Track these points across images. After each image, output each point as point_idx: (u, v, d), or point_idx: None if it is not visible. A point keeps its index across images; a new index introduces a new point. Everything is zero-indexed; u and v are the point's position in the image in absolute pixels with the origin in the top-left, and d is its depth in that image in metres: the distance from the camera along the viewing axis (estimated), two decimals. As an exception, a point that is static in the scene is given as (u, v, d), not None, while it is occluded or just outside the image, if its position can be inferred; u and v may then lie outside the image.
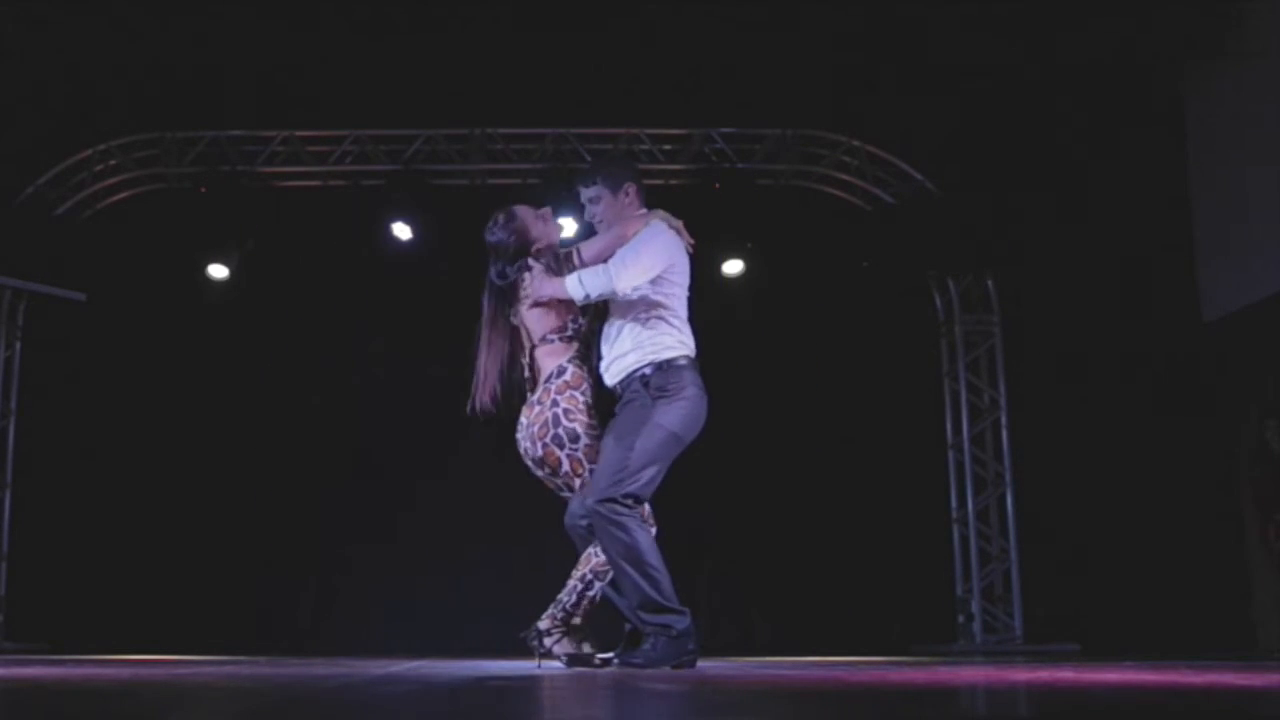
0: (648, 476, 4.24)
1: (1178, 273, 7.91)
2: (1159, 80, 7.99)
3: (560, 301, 4.34)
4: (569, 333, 4.40)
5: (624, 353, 4.38)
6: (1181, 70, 8.01)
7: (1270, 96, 7.13)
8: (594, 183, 4.59)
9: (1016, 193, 7.94)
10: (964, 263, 8.41)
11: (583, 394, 4.33)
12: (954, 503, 8.40)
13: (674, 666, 4.11)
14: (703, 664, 4.40)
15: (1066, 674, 3.35)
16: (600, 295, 4.28)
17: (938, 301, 8.61)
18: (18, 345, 8.39)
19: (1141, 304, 7.93)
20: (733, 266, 8.16)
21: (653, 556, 4.22)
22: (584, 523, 4.34)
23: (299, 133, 8.33)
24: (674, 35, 7.54)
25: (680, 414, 4.30)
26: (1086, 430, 7.94)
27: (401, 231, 8.09)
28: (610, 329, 4.46)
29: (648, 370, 4.32)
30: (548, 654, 4.26)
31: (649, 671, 3.96)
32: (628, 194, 4.58)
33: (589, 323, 4.44)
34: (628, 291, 4.29)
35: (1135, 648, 6.85)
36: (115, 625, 7.64)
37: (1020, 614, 8.10)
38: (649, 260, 4.34)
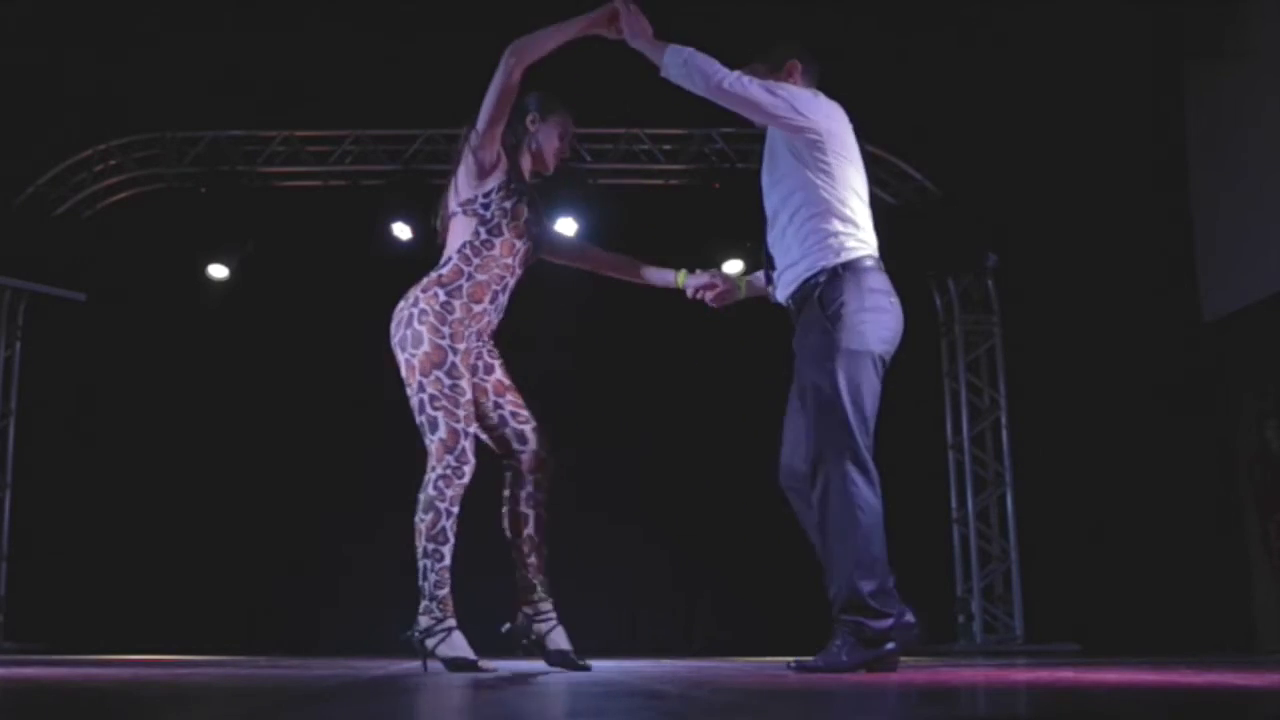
0: (868, 415, 3.50)
1: (1178, 273, 7.92)
2: (1159, 80, 7.99)
3: (480, 169, 3.84)
4: (477, 205, 3.84)
5: (794, 261, 3.65)
6: (1181, 70, 8.01)
7: (1270, 96, 7.13)
8: (748, 62, 3.84)
9: (1016, 193, 7.94)
10: (964, 263, 8.41)
11: (448, 293, 3.77)
12: (954, 503, 8.40)
13: (868, 668, 3.53)
14: (701, 664, 4.39)
15: (1066, 674, 3.35)
16: (690, 73, 3.66)
17: (938, 301, 8.62)
18: (18, 345, 8.40)
19: (1141, 304, 7.93)
20: (733, 266, 8.15)
21: (875, 541, 3.49)
22: (798, 485, 3.65)
23: (299, 133, 8.34)
24: (673, 36, 7.53)
25: (874, 328, 3.54)
26: (1086, 430, 7.94)
27: (401, 231, 8.09)
28: (774, 234, 3.75)
29: (821, 278, 3.57)
30: (430, 655, 3.75)
31: (646, 672, 3.95)
32: (790, 74, 3.85)
33: (501, 203, 3.86)
34: (731, 86, 3.62)
35: (1135, 648, 6.85)
36: (115, 625, 7.64)
37: (1020, 614, 8.10)
38: (774, 98, 3.63)
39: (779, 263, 3.75)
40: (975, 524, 8.33)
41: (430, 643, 3.73)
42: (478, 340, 3.90)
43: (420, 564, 3.79)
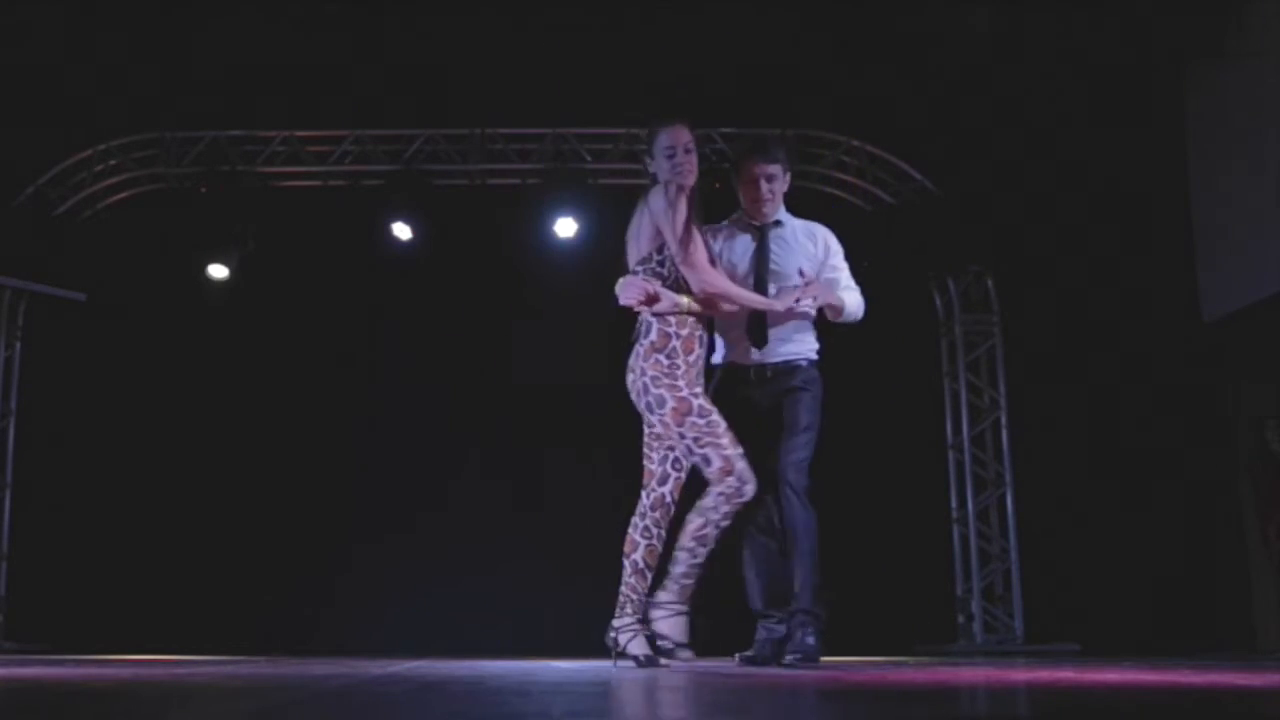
0: None
1: (1178, 273, 7.91)
2: (1159, 80, 7.99)
3: (655, 230, 4.26)
4: (653, 264, 4.29)
5: (786, 339, 4.54)
6: (1181, 70, 8.01)
7: (1270, 96, 7.13)
8: (777, 160, 4.62)
9: (1016, 193, 7.94)
10: (964, 263, 8.41)
11: (667, 356, 4.23)
12: (954, 503, 8.40)
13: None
14: (702, 663, 4.40)
15: (1066, 674, 3.35)
16: (858, 310, 4.68)
17: (938, 301, 8.61)
18: (18, 345, 8.40)
19: (1141, 304, 7.93)
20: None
21: None
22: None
23: (299, 133, 8.33)
24: (674, 35, 7.54)
25: None
26: (1086, 430, 7.93)
27: (401, 231, 8.10)
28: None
29: (805, 364, 4.56)
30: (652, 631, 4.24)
31: (642, 671, 3.96)
32: (788, 181, 4.68)
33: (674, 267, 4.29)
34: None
35: (1135, 648, 6.85)
36: (115, 625, 7.64)
37: (1020, 614, 8.09)
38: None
39: (774, 332, 4.52)
40: (975, 524, 8.32)
41: (653, 612, 4.24)
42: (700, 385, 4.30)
43: (676, 553, 4.22)
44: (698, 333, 4.28)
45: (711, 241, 4.50)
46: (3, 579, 8.11)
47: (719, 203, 4.81)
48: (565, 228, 8.09)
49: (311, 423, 8.31)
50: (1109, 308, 7.98)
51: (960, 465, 8.42)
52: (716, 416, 4.18)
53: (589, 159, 8.35)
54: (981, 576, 8.24)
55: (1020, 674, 3.48)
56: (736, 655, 4.48)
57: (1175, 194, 7.96)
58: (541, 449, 8.31)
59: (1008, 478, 8.29)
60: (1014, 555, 8.19)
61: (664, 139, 4.28)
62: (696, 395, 4.19)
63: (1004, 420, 8.36)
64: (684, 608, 4.21)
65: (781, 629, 4.46)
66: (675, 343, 4.23)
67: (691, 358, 4.25)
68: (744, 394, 4.50)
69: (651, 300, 4.21)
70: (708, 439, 4.14)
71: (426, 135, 8.35)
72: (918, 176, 8.34)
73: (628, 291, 4.26)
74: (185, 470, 8.17)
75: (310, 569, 8.14)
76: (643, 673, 3.82)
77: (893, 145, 8.34)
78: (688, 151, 4.27)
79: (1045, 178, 7.93)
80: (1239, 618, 7.67)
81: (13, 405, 8.31)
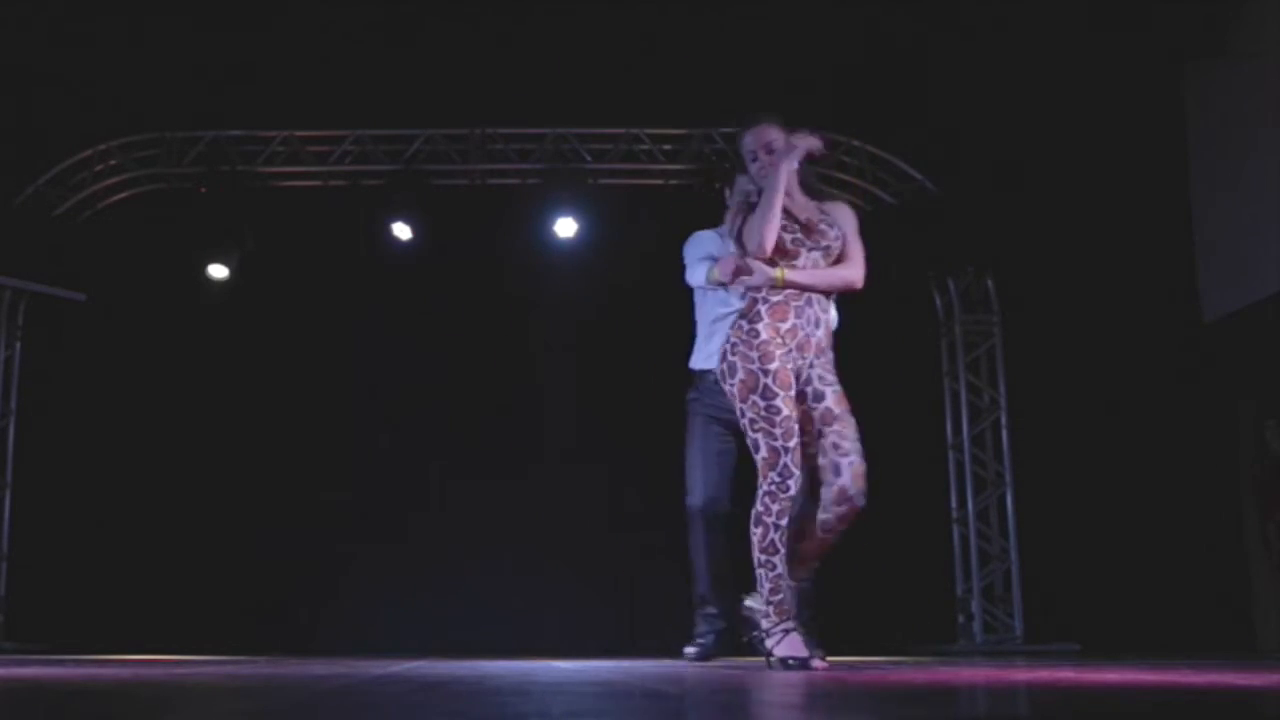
0: None
1: (1178, 273, 7.91)
2: (1159, 80, 7.99)
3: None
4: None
5: None
6: (1181, 70, 8.01)
7: (1270, 96, 7.13)
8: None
9: (1016, 193, 7.93)
10: (964, 263, 8.41)
11: (750, 321, 4.01)
12: (954, 503, 8.40)
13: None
14: (703, 664, 4.40)
15: (1066, 674, 3.35)
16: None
17: (938, 301, 8.61)
18: (18, 345, 8.40)
19: (1141, 304, 7.93)
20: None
21: None
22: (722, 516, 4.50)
23: (299, 133, 8.33)
24: (674, 35, 7.54)
25: None
26: (1086, 430, 7.93)
27: (401, 231, 8.10)
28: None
29: None
30: (769, 654, 3.96)
31: (646, 672, 3.96)
32: None
33: None
34: None
35: (1135, 648, 6.85)
36: (115, 625, 7.64)
37: (1020, 614, 8.09)
38: None
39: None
40: (975, 524, 8.32)
41: (768, 643, 3.93)
42: (802, 357, 4.03)
43: (756, 573, 3.96)
44: (795, 302, 4.03)
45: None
46: (3, 579, 8.11)
47: (715, 204, 4.81)
48: (565, 228, 8.09)
49: (311, 423, 8.31)
50: (1109, 308, 7.98)
51: (960, 465, 8.42)
52: (779, 402, 3.94)
53: (589, 159, 8.35)
54: (981, 576, 8.24)
55: (1020, 674, 3.48)
56: (686, 649, 4.49)
57: (1175, 194, 7.95)
58: (541, 449, 8.32)
59: (1008, 478, 8.29)
60: (1014, 555, 8.19)
61: (748, 141, 4.14)
62: (767, 372, 3.95)
63: (1004, 420, 8.36)
64: (790, 625, 3.92)
65: (722, 622, 4.44)
66: (761, 307, 4.01)
67: (785, 325, 4.00)
68: (717, 401, 4.41)
69: (743, 272, 4.00)
70: (762, 424, 3.93)
71: (426, 135, 8.35)
72: (918, 176, 8.34)
73: (722, 267, 4.10)
74: (185, 470, 8.18)
75: (310, 569, 8.14)
76: (636, 674, 3.82)
77: (893, 145, 8.34)
78: (770, 153, 4.08)
79: (1045, 178, 7.93)
80: (1239, 618, 7.67)
81: (13, 405, 8.31)
